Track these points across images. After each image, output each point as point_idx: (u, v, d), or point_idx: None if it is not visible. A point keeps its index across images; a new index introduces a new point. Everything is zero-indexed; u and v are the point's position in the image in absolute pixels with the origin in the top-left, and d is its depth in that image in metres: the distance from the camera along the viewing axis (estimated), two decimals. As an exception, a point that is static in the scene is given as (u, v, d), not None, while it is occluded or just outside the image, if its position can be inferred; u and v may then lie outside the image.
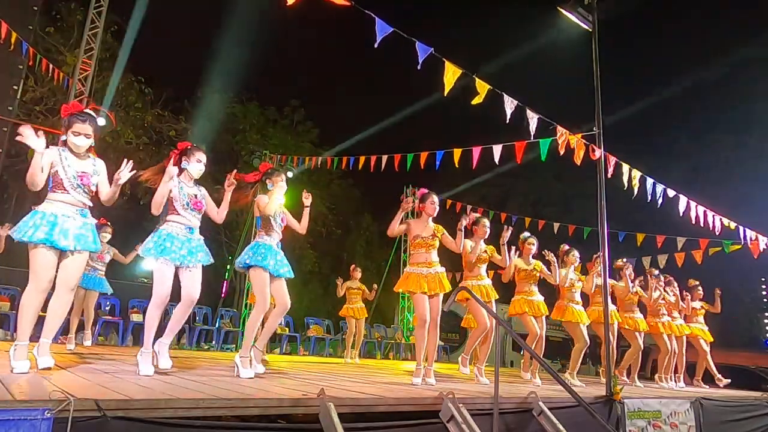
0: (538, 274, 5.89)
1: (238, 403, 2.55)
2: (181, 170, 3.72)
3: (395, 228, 4.49)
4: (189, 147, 3.78)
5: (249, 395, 2.77)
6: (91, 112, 3.35)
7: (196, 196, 3.70)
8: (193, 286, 3.58)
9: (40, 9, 9.13)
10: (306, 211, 4.28)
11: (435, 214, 4.63)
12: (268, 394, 2.92)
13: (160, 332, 3.57)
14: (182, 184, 3.68)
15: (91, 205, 3.33)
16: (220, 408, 2.47)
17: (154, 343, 3.54)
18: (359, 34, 4.54)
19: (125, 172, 3.32)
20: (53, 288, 3.20)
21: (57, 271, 3.17)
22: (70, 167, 3.21)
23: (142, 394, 2.48)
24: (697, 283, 7.79)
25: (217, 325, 9.71)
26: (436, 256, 4.61)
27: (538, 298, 5.84)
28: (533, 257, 5.94)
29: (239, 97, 17.81)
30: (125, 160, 3.37)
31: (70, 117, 3.27)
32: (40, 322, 3.20)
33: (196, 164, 3.72)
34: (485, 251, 5.34)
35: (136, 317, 8.55)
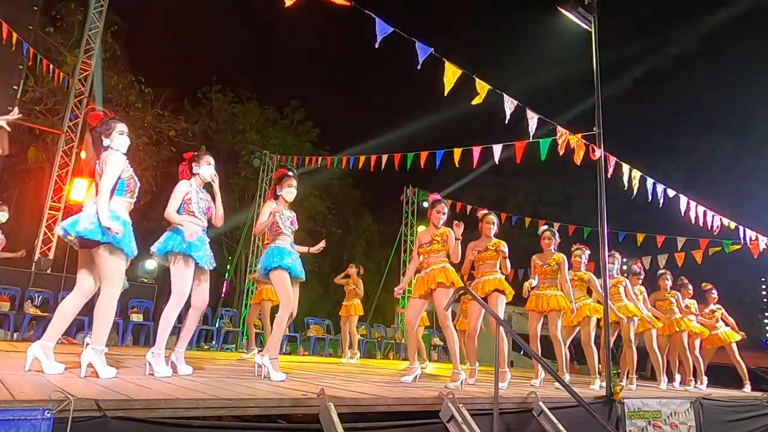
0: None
1: (238, 403, 2.55)
2: (193, 175, 3.77)
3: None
4: (195, 154, 3.84)
5: (249, 395, 2.77)
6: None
7: (207, 200, 3.79)
8: (205, 291, 3.77)
9: (40, 9, 9.15)
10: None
11: (439, 223, 4.50)
12: (268, 394, 2.91)
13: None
14: (197, 189, 3.73)
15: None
16: (220, 408, 2.46)
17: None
18: (359, 33, 4.55)
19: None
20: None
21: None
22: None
23: (142, 394, 2.48)
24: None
25: (217, 325, 9.71)
26: (434, 258, 4.48)
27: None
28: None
29: (239, 97, 17.82)
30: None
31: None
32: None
33: (207, 167, 3.77)
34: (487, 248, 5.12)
35: (135, 317, 8.53)
